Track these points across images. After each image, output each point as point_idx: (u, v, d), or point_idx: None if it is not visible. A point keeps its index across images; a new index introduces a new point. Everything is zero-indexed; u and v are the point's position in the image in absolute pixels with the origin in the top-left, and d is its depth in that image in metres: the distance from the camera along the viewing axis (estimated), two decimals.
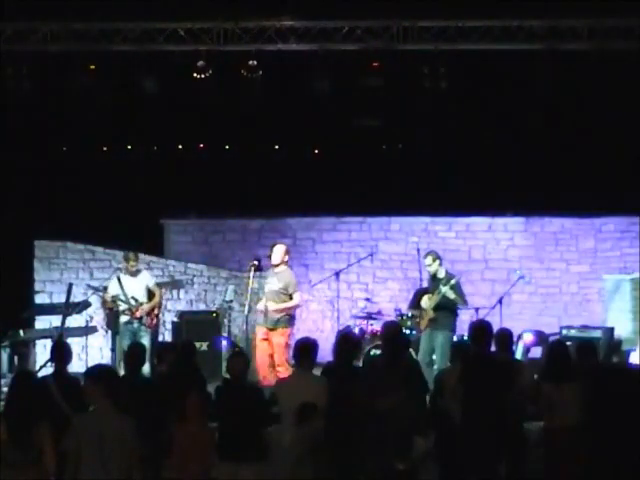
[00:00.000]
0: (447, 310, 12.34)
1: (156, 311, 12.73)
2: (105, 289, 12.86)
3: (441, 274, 12.53)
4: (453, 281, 12.32)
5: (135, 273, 12.78)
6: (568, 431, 8.09)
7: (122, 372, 9.49)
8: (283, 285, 11.83)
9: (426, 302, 12.45)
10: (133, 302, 12.52)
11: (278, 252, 12.02)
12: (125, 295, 12.53)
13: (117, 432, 6.80)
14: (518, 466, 8.61)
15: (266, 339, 11.76)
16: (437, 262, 12.60)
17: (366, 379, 8.29)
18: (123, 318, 12.54)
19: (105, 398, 6.90)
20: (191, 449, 7.75)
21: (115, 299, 12.54)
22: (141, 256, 15.10)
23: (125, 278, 12.71)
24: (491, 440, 7.91)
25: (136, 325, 12.47)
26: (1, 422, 6.91)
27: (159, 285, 13.22)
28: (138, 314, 12.49)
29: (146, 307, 12.56)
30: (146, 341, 11.95)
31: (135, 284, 12.69)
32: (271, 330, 11.72)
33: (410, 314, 13.28)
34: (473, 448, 7.92)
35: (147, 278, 12.94)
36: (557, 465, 8.22)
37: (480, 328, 8.74)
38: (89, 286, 13.56)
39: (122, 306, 12.53)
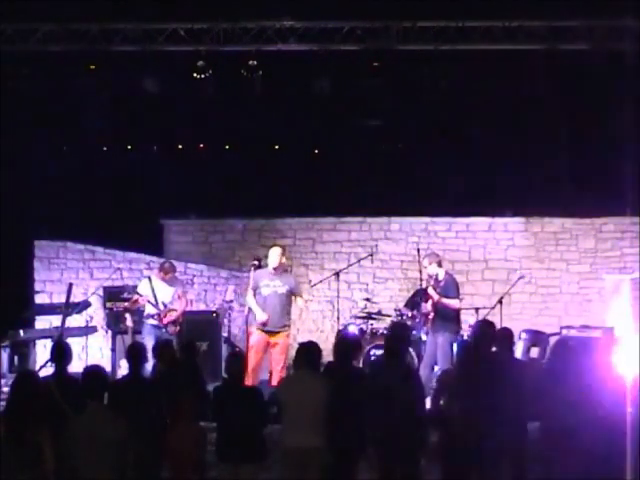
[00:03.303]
0: (441, 312, 12.21)
1: (180, 319, 12.65)
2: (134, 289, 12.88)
3: (441, 276, 12.50)
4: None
5: (169, 282, 12.73)
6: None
7: (124, 371, 9.52)
8: (289, 288, 11.74)
9: (427, 305, 12.47)
10: (162, 307, 12.49)
11: (277, 255, 11.83)
12: (155, 298, 12.50)
13: (110, 433, 6.83)
14: (518, 466, 8.61)
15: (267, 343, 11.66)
16: (434, 265, 12.43)
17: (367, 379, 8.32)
18: (149, 320, 12.49)
19: (97, 399, 6.99)
20: (184, 449, 7.74)
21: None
22: (141, 256, 15.15)
23: (157, 282, 12.64)
24: (491, 439, 7.88)
25: (163, 330, 12.40)
26: (1, 422, 6.92)
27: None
28: (166, 321, 12.44)
29: (174, 315, 12.50)
30: None
31: (166, 290, 12.63)
32: (277, 333, 11.62)
33: (410, 314, 13.27)
34: (474, 448, 7.89)
35: (178, 285, 12.91)
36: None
37: (481, 327, 8.74)
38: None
39: (150, 309, 12.49)
